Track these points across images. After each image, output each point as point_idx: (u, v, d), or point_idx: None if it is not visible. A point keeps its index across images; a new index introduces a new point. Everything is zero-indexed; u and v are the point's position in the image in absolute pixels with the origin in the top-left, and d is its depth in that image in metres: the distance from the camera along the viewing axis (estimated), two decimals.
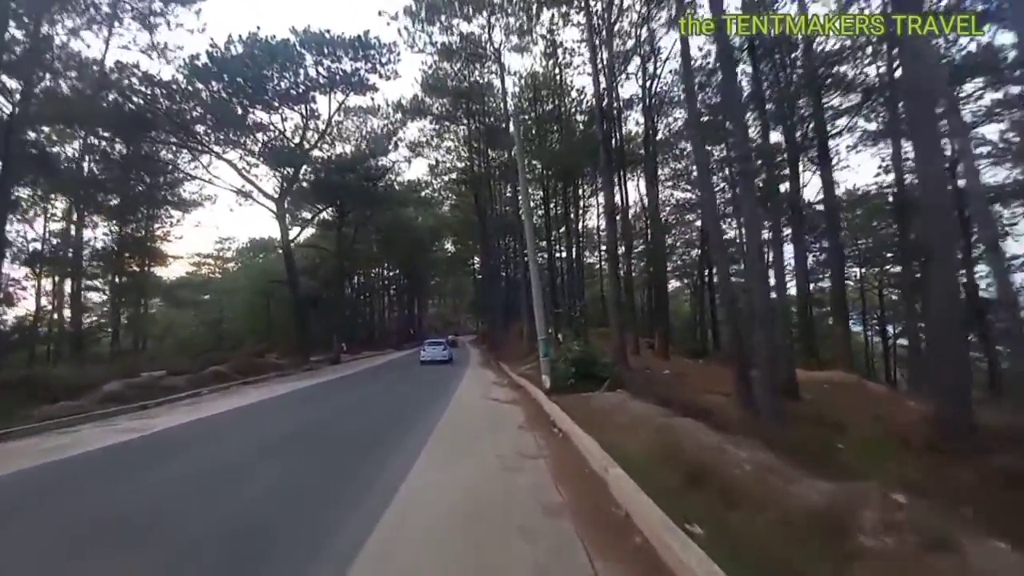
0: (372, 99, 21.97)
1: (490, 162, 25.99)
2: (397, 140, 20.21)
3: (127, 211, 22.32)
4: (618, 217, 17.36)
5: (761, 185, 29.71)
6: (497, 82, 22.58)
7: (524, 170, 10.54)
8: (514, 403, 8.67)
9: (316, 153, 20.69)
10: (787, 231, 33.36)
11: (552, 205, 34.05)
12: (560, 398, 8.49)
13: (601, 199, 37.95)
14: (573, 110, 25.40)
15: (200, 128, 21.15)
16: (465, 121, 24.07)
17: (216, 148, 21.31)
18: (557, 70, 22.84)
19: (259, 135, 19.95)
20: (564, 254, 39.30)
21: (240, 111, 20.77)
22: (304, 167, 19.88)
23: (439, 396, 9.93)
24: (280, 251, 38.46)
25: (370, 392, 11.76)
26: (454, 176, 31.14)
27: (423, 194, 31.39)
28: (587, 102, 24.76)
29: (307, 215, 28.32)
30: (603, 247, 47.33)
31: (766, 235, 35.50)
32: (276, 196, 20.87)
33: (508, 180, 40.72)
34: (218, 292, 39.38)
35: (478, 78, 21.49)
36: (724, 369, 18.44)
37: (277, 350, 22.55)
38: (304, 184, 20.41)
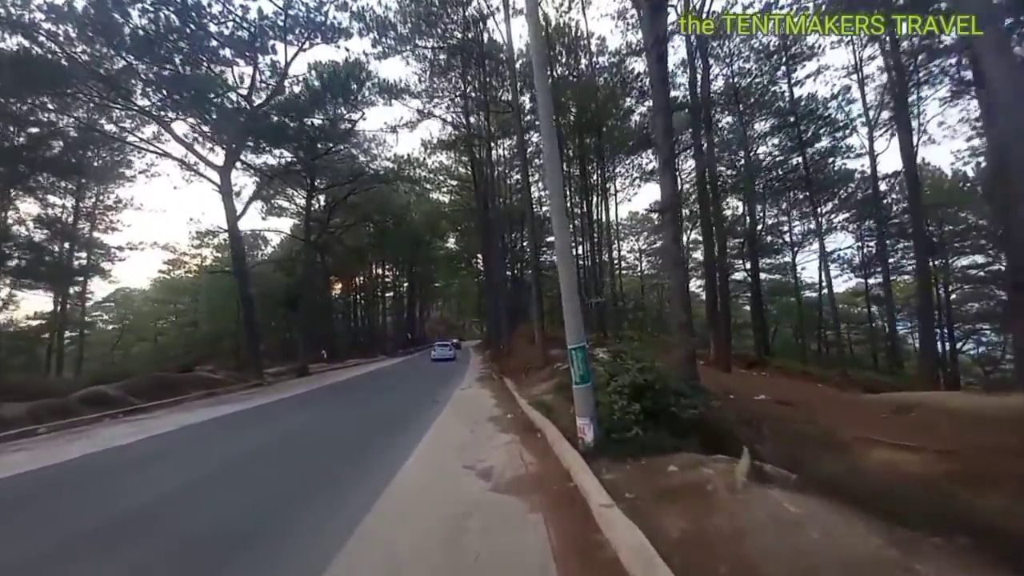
0: (347, 50, 17.37)
1: (492, 132, 21.37)
2: (366, 76, 15.63)
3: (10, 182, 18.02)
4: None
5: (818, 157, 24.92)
6: (499, 34, 18.11)
7: (549, 95, 6.25)
8: (525, 495, 3.92)
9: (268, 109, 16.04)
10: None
11: (568, 193, 29.46)
12: (628, 483, 3.78)
13: (620, 186, 33.24)
14: (594, 64, 20.83)
15: (133, 83, 16.93)
16: (460, 77, 19.50)
17: (150, 108, 16.97)
18: (576, 12, 18.28)
19: (190, 75, 15.41)
20: (579, 249, 34.64)
21: (178, 59, 16.46)
22: (253, 122, 15.21)
23: (382, 457, 5.25)
24: (271, 245, 34.23)
25: (288, 435, 7.09)
26: (449, 155, 26.60)
27: (417, 173, 26.77)
28: (608, 55, 20.21)
29: (274, 193, 23.78)
30: (622, 240, 42.43)
31: (813, 224, 30.68)
32: (220, 165, 16.42)
33: (512, 166, 36.36)
34: (188, 292, 35.36)
35: (472, 14, 16.81)
36: (828, 388, 13.58)
37: (217, 361, 18.12)
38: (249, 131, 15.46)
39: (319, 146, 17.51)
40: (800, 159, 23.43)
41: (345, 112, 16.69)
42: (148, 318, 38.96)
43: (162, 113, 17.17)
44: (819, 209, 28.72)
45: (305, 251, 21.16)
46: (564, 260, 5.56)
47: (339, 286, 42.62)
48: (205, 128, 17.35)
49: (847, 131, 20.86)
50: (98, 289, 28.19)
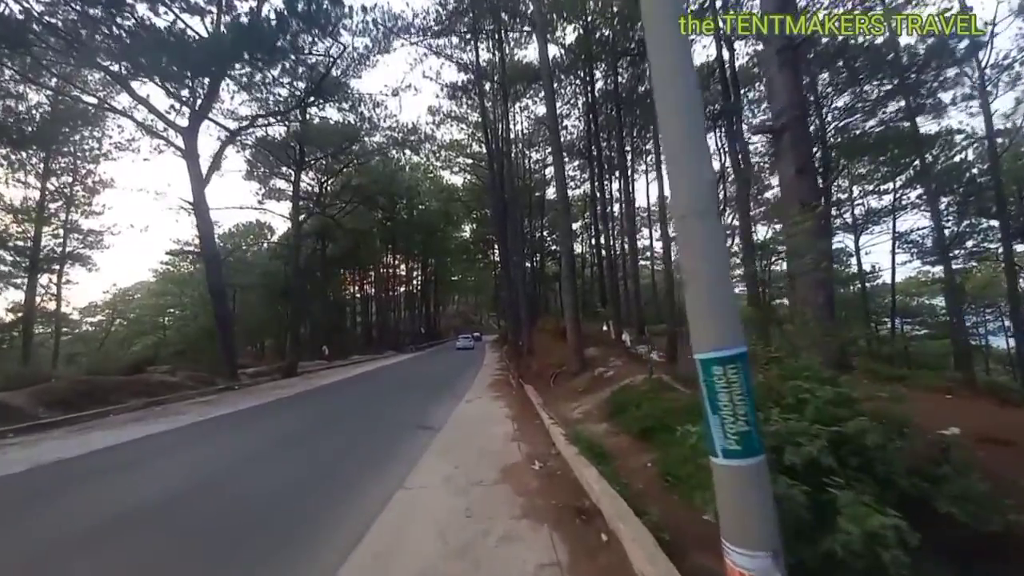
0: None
1: (507, 77, 17.91)
2: None
3: None
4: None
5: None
6: None
7: None
8: None
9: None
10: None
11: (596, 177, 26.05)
12: None
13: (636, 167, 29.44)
14: None
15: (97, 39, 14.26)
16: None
17: (108, 64, 14.30)
18: None
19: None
20: (595, 240, 31.11)
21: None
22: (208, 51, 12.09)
23: None
24: (277, 233, 31.84)
25: (134, 514, 4.09)
26: (461, 126, 23.42)
27: (424, 148, 23.62)
28: None
29: (268, 173, 21.05)
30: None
31: (888, 200, 26.57)
32: (185, 126, 13.69)
33: (532, 144, 32.90)
34: (189, 284, 33.38)
35: None
36: (983, 403, 9.90)
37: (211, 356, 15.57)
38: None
39: (301, 93, 14.41)
40: (877, 118, 19.42)
41: (322, 45, 13.57)
42: (152, 312, 37.51)
43: (121, 68, 14.52)
44: (895, 183, 24.67)
45: (294, 233, 18.38)
46: (697, 193, 2.28)
47: (347, 277, 40.21)
48: (165, 81, 14.38)
49: (951, 78, 16.65)
50: (81, 279, 26.23)
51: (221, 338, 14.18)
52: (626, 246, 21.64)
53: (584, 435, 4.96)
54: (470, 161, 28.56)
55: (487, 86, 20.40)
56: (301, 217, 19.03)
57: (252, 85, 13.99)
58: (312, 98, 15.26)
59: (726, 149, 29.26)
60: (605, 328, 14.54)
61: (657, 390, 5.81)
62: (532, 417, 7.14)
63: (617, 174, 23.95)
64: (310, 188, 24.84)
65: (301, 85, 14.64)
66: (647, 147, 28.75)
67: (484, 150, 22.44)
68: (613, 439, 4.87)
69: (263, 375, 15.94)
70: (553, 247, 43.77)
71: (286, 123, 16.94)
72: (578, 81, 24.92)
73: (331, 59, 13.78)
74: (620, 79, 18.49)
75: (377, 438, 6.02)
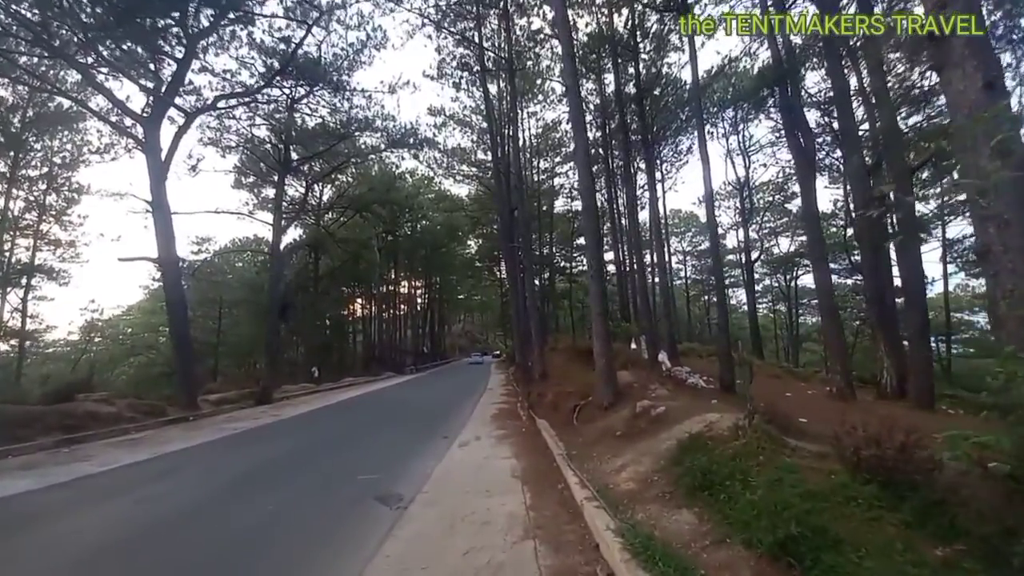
0: None
1: (513, 55, 16.03)
2: None
3: None
4: None
5: None
6: None
7: None
8: None
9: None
10: None
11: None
12: None
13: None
14: None
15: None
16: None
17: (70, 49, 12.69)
18: None
19: None
20: (613, 254, 28.86)
21: None
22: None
23: None
24: (269, 252, 30.18)
25: None
26: (464, 131, 21.68)
27: (426, 153, 21.84)
28: None
29: (256, 181, 19.32)
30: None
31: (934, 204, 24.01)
32: (147, 116, 11.94)
33: (539, 152, 31.10)
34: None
35: None
36: None
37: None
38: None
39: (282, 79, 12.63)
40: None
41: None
42: (144, 330, 35.83)
43: (87, 58, 12.92)
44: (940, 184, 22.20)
45: (274, 242, 16.48)
46: None
47: (347, 294, 38.28)
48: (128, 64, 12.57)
49: None
50: (55, 294, 24.58)
51: (179, 359, 12.04)
52: (654, 256, 19.34)
53: (658, 543, 2.68)
54: (475, 169, 26.80)
55: (492, 88, 18.74)
56: (284, 224, 17.13)
57: (225, 46, 12.12)
58: (289, 82, 13.50)
59: (748, 151, 27.39)
60: (634, 346, 12.26)
61: (763, 448, 3.52)
62: (552, 477, 4.83)
63: (643, 172, 21.73)
64: (300, 196, 23.14)
65: (276, 65, 12.91)
66: (664, 151, 26.84)
67: (489, 157, 20.57)
68: (718, 555, 2.57)
69: (229, 402, 13.73)
70: (563, 263, 41.62)
71: (267, 117, 15.17)
72: (590, 84, 23.26)
73: (306, 25, 11.98)
74: (641, 69, 16.63)
75: (300, 525, 3.74)
